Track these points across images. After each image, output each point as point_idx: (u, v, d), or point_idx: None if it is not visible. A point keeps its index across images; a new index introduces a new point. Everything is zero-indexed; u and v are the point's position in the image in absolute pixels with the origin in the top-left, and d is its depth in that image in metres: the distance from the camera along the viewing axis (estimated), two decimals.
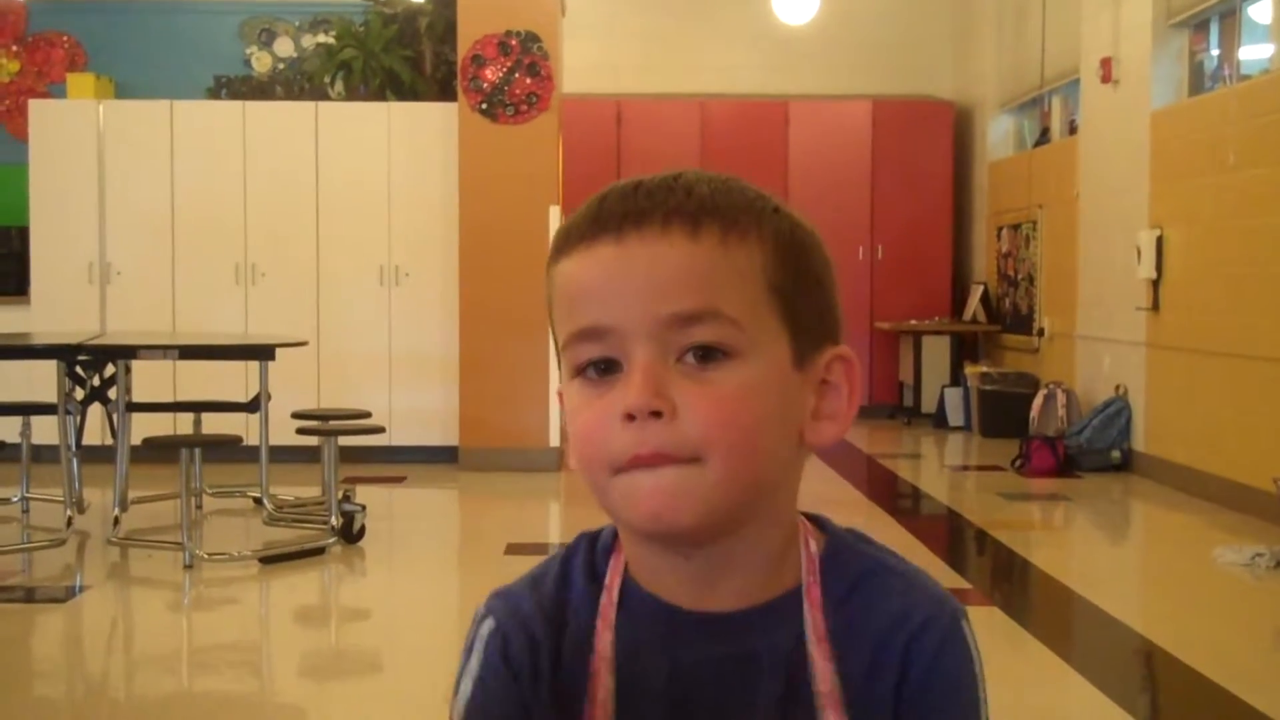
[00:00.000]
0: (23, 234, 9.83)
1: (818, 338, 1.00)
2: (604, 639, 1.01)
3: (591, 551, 1.07)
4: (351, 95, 9.90)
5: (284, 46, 11.55)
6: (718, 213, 0.96)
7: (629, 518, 0.97)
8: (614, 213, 0.97)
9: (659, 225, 0.95)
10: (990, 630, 5.06)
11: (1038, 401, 9.85)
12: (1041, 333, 10.88)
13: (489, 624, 1.05)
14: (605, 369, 0.96)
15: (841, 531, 1.08)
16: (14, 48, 11.50)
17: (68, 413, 6.85)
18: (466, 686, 1.04)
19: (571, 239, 0.98)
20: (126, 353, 6.82)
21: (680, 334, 0.94)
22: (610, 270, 0.95)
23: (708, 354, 0.94)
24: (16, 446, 7.36)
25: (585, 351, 0.97)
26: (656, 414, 0.93)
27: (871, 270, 12.49)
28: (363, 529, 6.73)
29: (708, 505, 0.94)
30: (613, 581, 1.03)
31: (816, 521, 1.08)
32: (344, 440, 7.06)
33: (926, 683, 0.99)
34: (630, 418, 0.93)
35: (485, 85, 9.06)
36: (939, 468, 10.34)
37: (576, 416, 0.98)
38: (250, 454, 6.98)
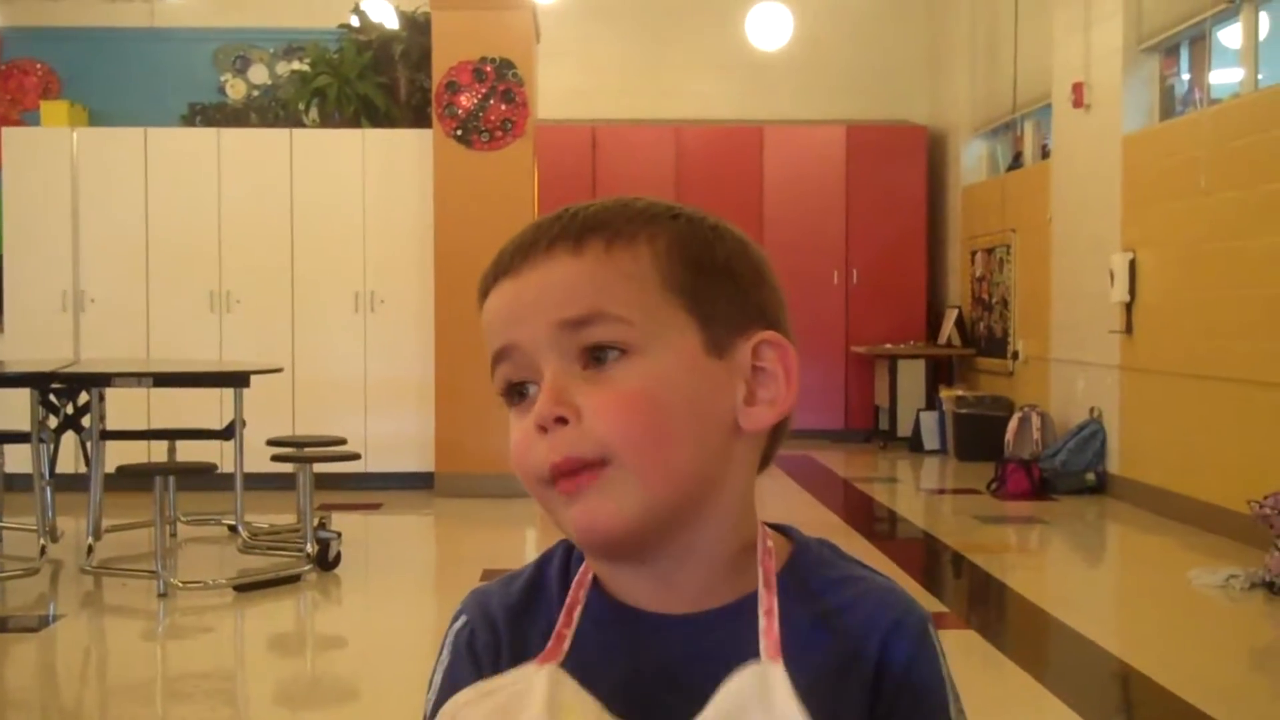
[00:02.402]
0: None
1: (735, 325, 1.01)
2: (574, 612, 1.03)
3: (567, 557, 1.09)
4: (326, 122, 9.91)
5: (258, 74, 11.55)
6: (601, 227, 1.01)
7: (567, 532, 1.00)
8: (509, 253, 1.03)
9: (544, 250, 1.00)
10: (967, 653, 5.07)
11: (1013, 425, 9.89)
12: (1016, 356, 10.92)
13: (460, 620, 1.08)
14: (523, 394, 1.01)
15: (809, 540, 1.09)
16: None
17: (41, 441, 6.81)
18: (437, 679, 1.07)
19: (482, 287, 1.05)
20: (100, 380, 6.80)
21: (574, 339, 0.98)
22: (508, 299, 1.01)
23: (604, 354, 0.97)
24: None
25: (501, 375, 1.02)
26: (563, 420, 0.96)
27: (846, 294, 12.52)
28: (338, 556, 6.71)
29: (633, 504, 0.96)
30: (584, 577, 1.05)
31: (784, 531, 1.09)
32: (319, 467, 7.04)
33: (903, 688, 1.00)
34: (542, 429, 0.97)
35: (460, 111, 9.07)
36: (915, 491, 10.36)
37: (511, 440, 1.01)
38: (225, 481, 6.95)
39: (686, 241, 1.02)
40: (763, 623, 0.96)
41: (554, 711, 0.93)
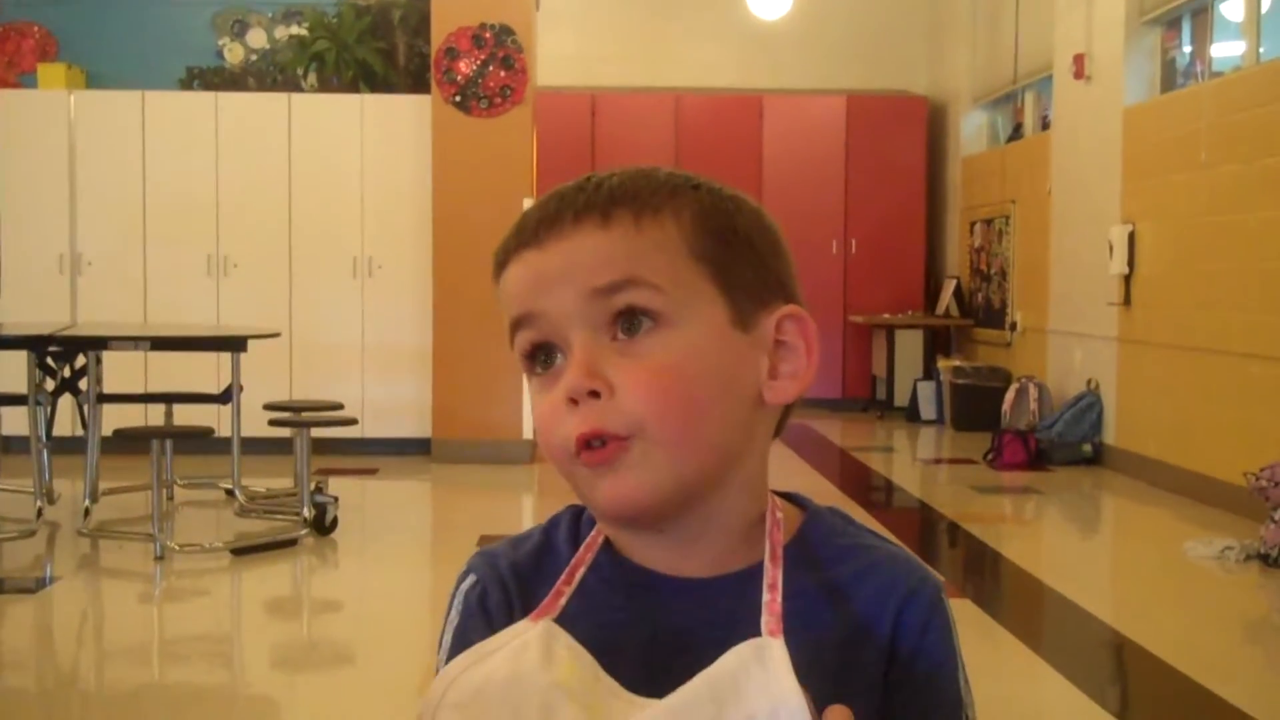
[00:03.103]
0: None
1: (759, 297, 1.02)
2: (576, 572, 1.03)
3: (576, 521, 1.09)
4: (324, 87, 9.87)
5: (257, 38, 11.49)
6: (627, 199, 1.00)
7: (596, 505, 1.00)
8: (532, 223, 1.02)
9: (571, 222, 0.99)
10: (962, 622, 5.00)
11: (1010, 395, 9.89)
12: (1014, 327, 10.92)
13: (470, 579, 1.08)
14: (548, 361, 1.00)
15: (821, 509, 1.09)
16: None
17: (38, 403, 6.81)
18: (448, 639, 1.06)
19: (500, 257, 1.04)
20: (97, 344, 6.79)
21: (605, 307, 0.97)
22: (534, 268, 1.00)
23: (635, 323, 0.97)
24: None
25: (524, 339, 1.01)
26: (595, 394, 0.96)
27: (845, 264, 12.51)
28: (335, 521, 6.71)
29: (663, 478, 0.96)
30: (595, 539, 1.05)
31: (795, 500, 1.09)
32: (316, 432, 7.05)
33: (916, 655, 1.02)
34: (573, 401, 0.96)
35: (459, 77, 9.04)
36: (911, 461, 10.37)
37: (535, 412, 1.01)
38: (222, 445, 6.95)
39: (709, 213, 1.02)
40: (766, 597, 0.96)
41: (550, 665, 0.93)
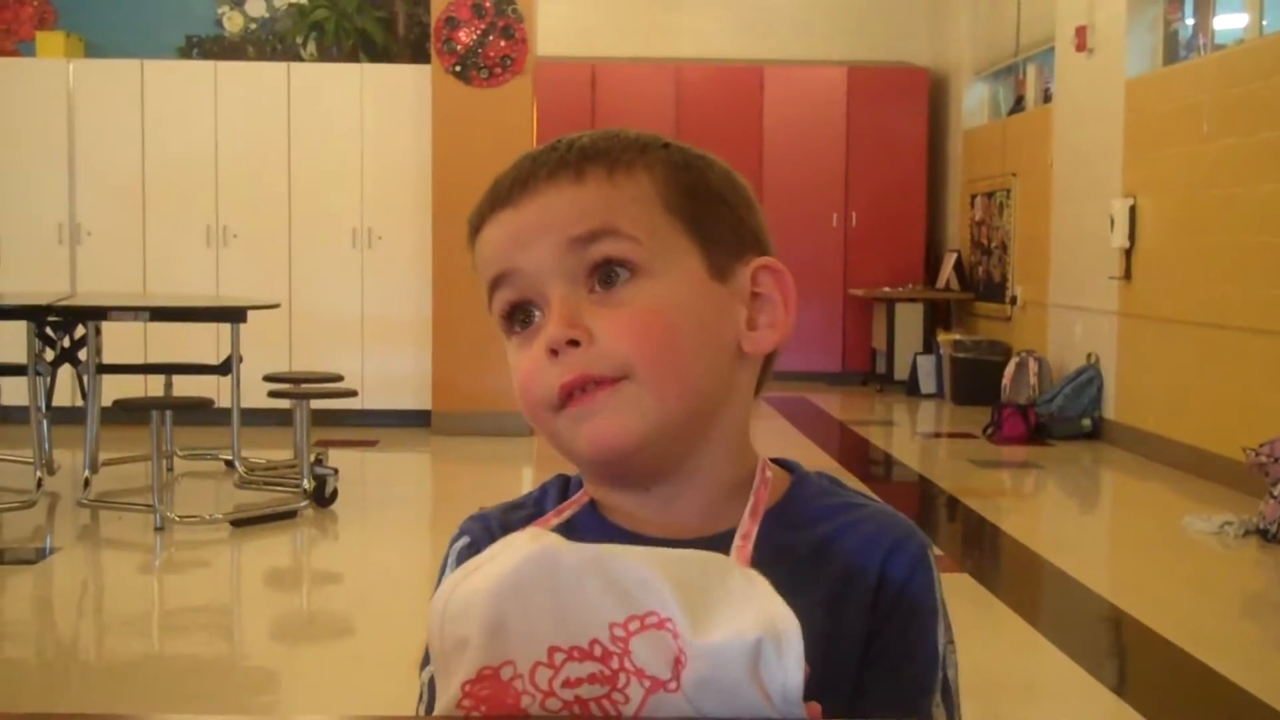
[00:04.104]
0: None
1: (734, 250, 1.04)
2: (565, 511, 1.05)
3: (564, 489, 1.11)
4: (324, 56, 9.84)
5: (256, 6, 11.44)
6: (600, 156, 1.02)
7: (579, 452, 1.00)
8: (505, 185, 1.04)
9: (545, 180, 1.01)
10: (960, 596, 5.08)
11: (1010, 369, 9.89)
12: (1014, 301, 10.91)
13: (464, 539, 1.10)
14: (526, 320, 1.02)
15: (810, 473, 1.11)
16: None
17: (37, 374, 6.80)
18: None
19: (475, 220, 1.05)
20: (97, 314, 6.78)
21: (582, 258, 0.99)
22: (509, 227, 1.02)
23: (613, 275, 0.98)
24: None
25: (501, 299, 1.03)
26: (575, 343, 0.97)
27: (845, 237, 12.48)
28: (335, 492, 6.72)
29: (646, 418, 0.97)
30: (580, 497, 1.07)
31: (785, 465, 1.11)
32: (316, 403, 7.04)
33: (898, 602, 1.02)
34: (554, 353, 0.98)
35: (459, 47, 9.01)
36: (911, 435, 10.37)
37: (516, 371, 1.02)
38: (222, 416, 6.95)
39: (681, 169, 1.04)
40: (737, 542, 0.97)
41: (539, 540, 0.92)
